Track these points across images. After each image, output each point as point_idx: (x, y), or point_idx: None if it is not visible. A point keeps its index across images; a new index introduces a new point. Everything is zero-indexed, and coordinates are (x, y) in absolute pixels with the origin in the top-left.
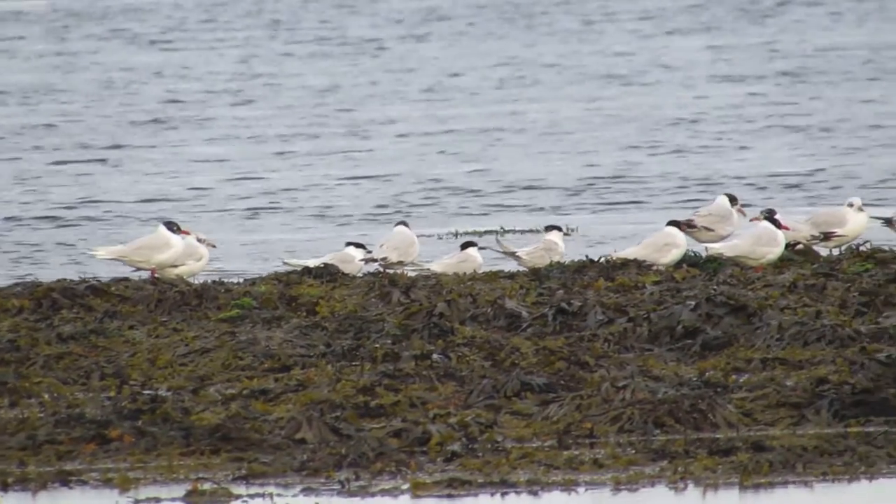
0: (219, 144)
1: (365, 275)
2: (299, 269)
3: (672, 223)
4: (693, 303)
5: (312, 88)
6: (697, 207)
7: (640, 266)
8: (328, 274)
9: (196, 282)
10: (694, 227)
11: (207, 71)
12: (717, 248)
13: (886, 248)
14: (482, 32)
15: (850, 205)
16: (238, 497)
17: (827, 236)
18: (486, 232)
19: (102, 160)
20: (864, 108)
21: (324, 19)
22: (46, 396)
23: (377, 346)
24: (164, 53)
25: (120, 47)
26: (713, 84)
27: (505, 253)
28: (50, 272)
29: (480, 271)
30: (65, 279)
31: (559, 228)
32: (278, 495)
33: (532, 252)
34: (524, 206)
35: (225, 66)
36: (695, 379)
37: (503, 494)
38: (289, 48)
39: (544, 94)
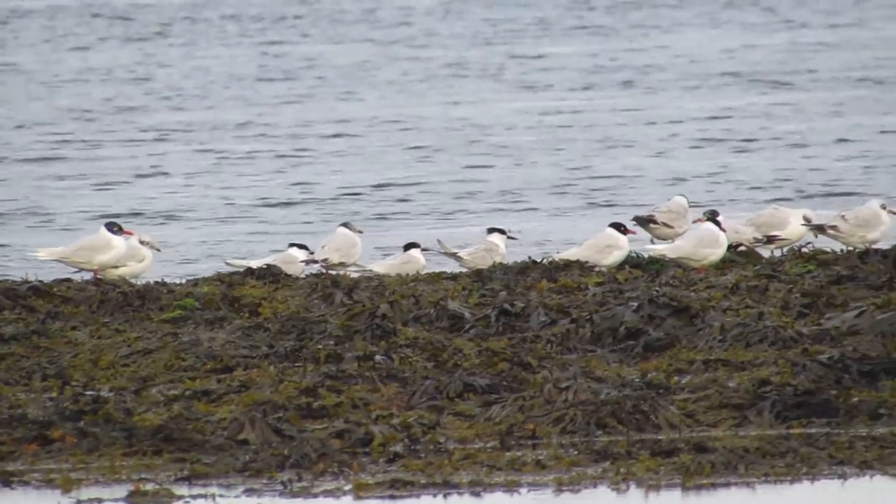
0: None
1: (308, 276)
2: (242, 270)
3: (613, 225)
4: (635, 304)
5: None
6: (655, 205)
7: (582, 267)
8: (271, 275)
9: (139, 283)
10: (655, 223)
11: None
12: (659, 249)
13: (829, 249)
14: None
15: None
16: (180, 498)
17: (769, 239)
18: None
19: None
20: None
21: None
22: None
23: (320, 347)
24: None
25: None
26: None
27: (446, 254)
28: None
29: (423, 272)
30: (7, 280)
31: (502, 231)
32: (220, 496)
33: (473, 253)
34: (468, 210)
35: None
36: (637, 380)
37: (445, 495)
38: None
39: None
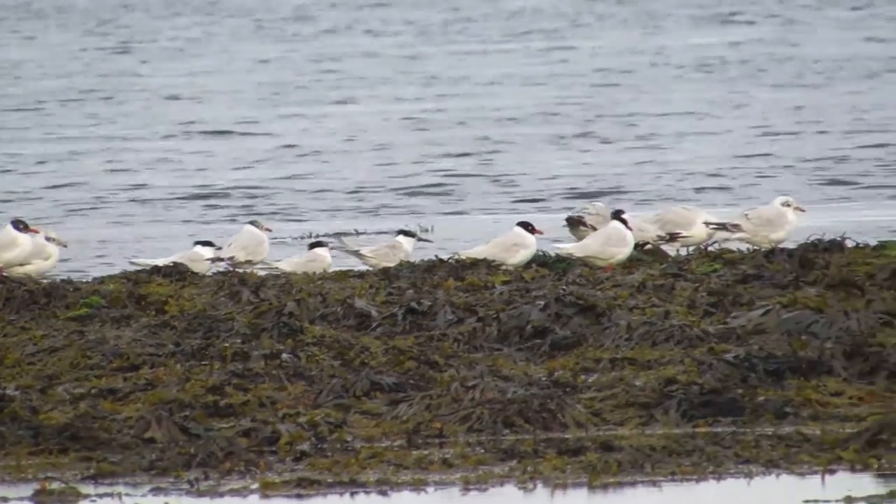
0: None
1: (214, 274)
2: (148, 268)
3: (521, 224)
4: (542, 303)
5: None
6: (584, 208)
7: (489, 266)
8: (177, 273)
9: (44, 280)
10: (584, 225)
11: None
12: (566, 248)
13: (735, 248)
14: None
15: (707, 224)
16: (87, 497)
17: (672, 237)
18: (339, 234)
19: None
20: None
21: None
22: None
23: (226, 345)
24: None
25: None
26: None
27: (349, 252)
28: None
29: (330, 270)
30: None
31: (412, 234)
32: (127, 495)
33: (377, 250)
34: (372, 208)
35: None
36: (544, 379)
37: (353, 494)
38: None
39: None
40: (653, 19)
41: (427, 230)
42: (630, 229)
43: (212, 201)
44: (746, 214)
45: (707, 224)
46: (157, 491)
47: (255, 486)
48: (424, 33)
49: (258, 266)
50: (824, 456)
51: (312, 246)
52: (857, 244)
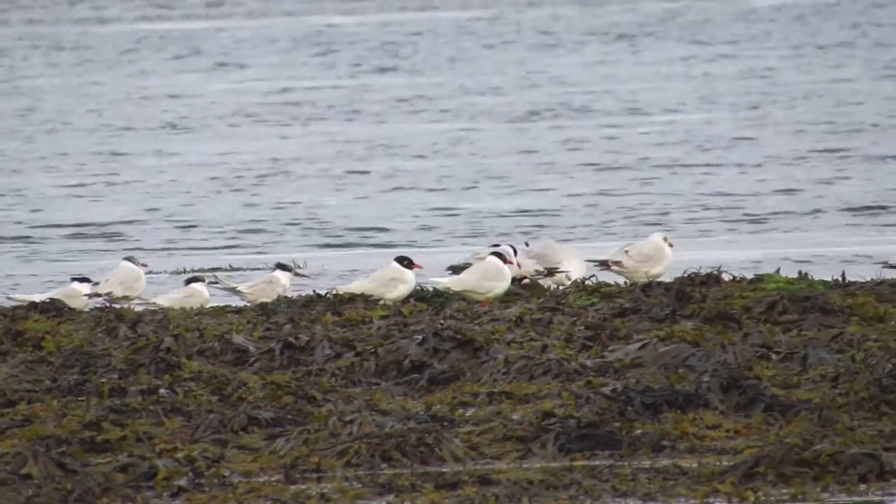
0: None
1: (92, 309)
2: (25, 304)
3: (399, 259)
4: (420, 337)
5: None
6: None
7: (367, 301)
8: (54, 309)
9: None
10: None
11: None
12: (443, 282)
13: (612, 282)
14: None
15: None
16: None
17: (550, 272)
18: (214, 269)
19: None
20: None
21: None
22: None
23: (104, 380)
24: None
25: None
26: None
27: (225, 289)
28: None
29: (207, 306)
30: None
31: (288, 269)
32: None
33: (254, 286)
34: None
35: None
36: (422, 413)
37: None
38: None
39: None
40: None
41: (300, 266)
42: (510, 264)
43: (86, 234)
44: (626, 250)
45: (588, 260)
46: None
47: None
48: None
49: (135, 301)
50: (701, 489)
51: (189, 281)
52: (734, 277)
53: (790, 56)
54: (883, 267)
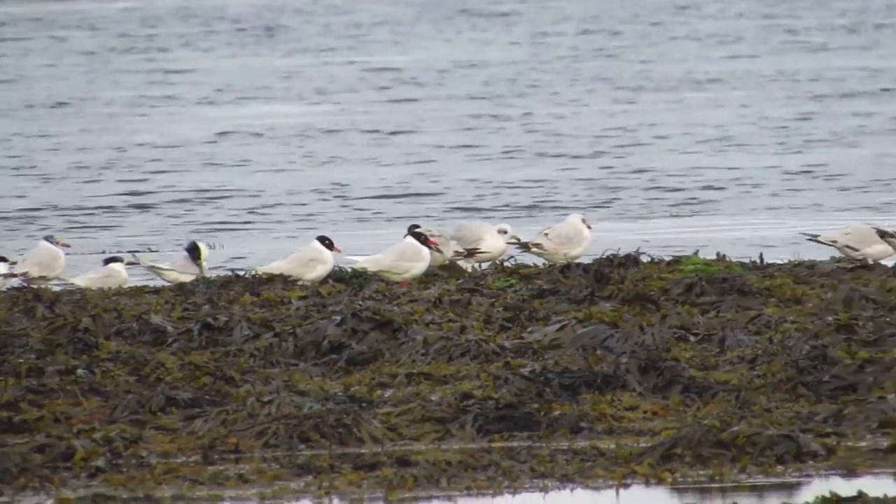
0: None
1: (9, 289)
2: None
3: (319, 239)
4: (339, 318)
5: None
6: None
7: (286, 281)
8: None
9: None
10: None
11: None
12: (361, 262)
13: (531, 263)
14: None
15: (504, 231)
16: None
17: (470, 252)
18: (135, 250)
19: None
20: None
21: None
22: None
23: (21, 360)
24: None
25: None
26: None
27: (145, 267)
28: None
29: (126, 286)
30: None
31: (206, 246)
32: None
33: (174, 264)
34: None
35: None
36: (340, 394)
37: None
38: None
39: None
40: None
41: (217, 247)
42: (428, 245)
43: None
44: (546, 233)
45: (503, 232)
46: None
47: (49, 502)
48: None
49: (53, 282)
50: (619, 470)
51: (108, 261)
52: (652, 259)
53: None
54: (809, 239)
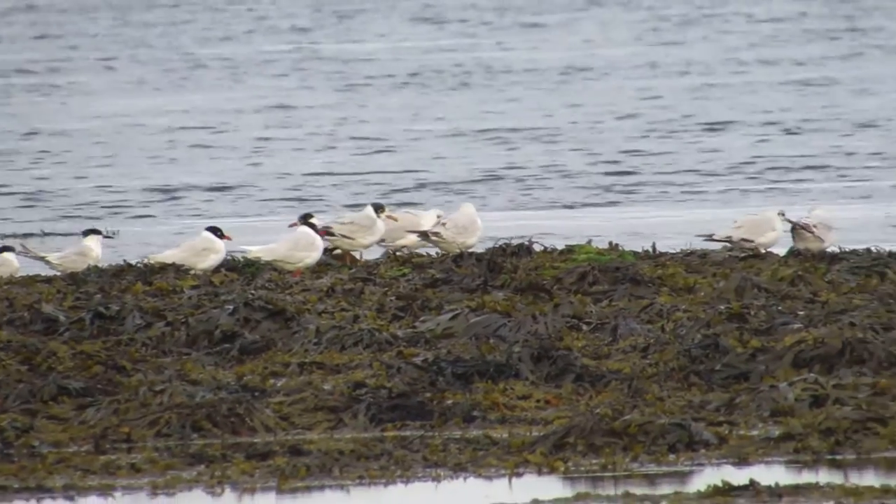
0: None
1: None
2: None
3: (210, 229)
4: (231, 307)
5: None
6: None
7: (178, 270)
8: None
9: None
10: (332, 234)
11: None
12: (254, 252)
13: (424, 252)
14: None
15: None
16: None
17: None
18: (26, 235)
19: None
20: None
21: None
22: None
23: None
24: None
25: None
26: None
27: (34, 257)
28: None
29: (17, 275)
30: None
31: (98, 232)
32: None
33: (65, 256)
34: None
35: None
36: (233, 383)
37: (39, 500)
38: None
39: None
40: None
41: (112, 234)
42: (321, 234)
43: None
44: (444, 223)
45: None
46: None
47: None
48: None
49: None
50: (511, 459)
51: (0, 251)
52: (545, 248)
53: None
54: (704, 240)
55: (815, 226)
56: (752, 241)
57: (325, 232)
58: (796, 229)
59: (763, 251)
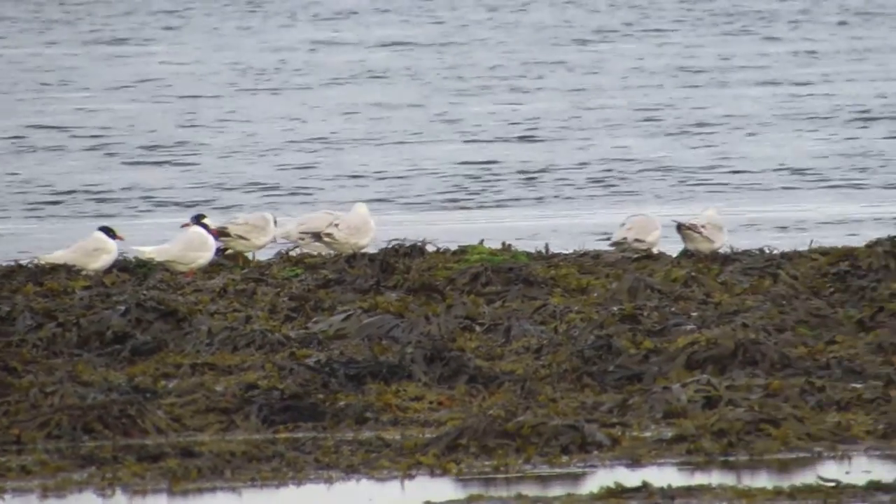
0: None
1: None
2: None
3: (102, 229)
4: (123, 308)
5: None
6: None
7: (69, 271)
8: None
9: None
10: (228, 235)
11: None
12: (147, 252)
13: (316, 253)
14: None
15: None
16: None
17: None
18: None
19: None
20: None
21: None
22: None
23: None
24: None
25: None
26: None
27: None
28: None
29: None
30: None
31: None
32: None
33: None
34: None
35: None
36: (124, 384)
37: None
38: None
39: None
40: None
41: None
42: (216, 235)
43: None
44: (336, 224)
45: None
46: None
47: None
48: None
49: None
50: (404, 461)
51: None
52: (438, 249)
53: None
54: (609, 245)
55: (703, 226)
56: (643, 241)
57: (221, 233)
58: (683, 230)
59: (655, 251)
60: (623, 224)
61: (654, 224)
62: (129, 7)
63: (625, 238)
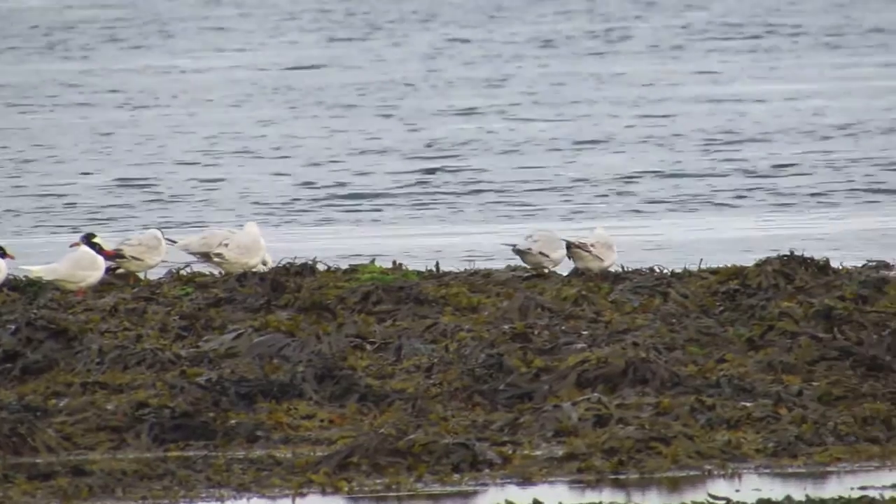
0: None
1: None
2: None
3: None
4: (13, 326)
5: None
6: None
7: None
8: None
9: None
10: (123, 257)
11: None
12: (36, 271)
13: (207, 272)
14: None
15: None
16: None
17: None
18: None
19: None
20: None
21: None
22: None
23: None
24: None
25: None
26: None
27: None
28: None
29: None
30: None
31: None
32: None
33: None
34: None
35: None
36: (14, 403)
37: None
38: None
39: None
40: None
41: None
42: (104, 254)
43: None
44: (226, 244)
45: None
46: None
47: None
48: None
49: None
50: (295, 479)
51: None
52: (329, 267)
53: None
54: (513, 250)
55: (593, 245)
56: (548, 256)
57: (117, 254)
58: (573, 248)
59: (554, 268)
60: (530, 236)
61: (559, 243)
62: None
63: (530, 248)
